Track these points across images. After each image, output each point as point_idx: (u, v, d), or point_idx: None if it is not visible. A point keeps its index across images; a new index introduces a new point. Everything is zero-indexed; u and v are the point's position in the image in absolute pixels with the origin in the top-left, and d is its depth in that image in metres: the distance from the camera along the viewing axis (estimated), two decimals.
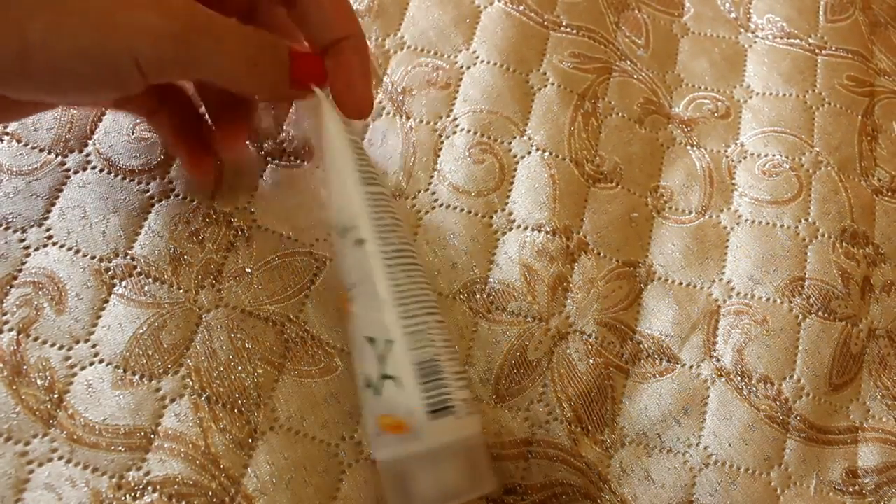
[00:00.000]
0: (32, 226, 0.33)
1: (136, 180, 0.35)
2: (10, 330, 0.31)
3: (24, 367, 0.31)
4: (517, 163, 0.38)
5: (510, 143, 0.38)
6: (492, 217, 0.37)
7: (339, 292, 0.31)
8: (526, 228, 0.37)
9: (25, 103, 0.27)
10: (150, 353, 0.32)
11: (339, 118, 0.30)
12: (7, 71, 0.22)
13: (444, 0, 0.41)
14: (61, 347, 0.31)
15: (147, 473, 0.30)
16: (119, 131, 0.36)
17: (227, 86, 0.27)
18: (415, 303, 0.28)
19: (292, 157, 0.36)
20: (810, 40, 0.44)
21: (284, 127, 0.37)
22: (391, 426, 0.27)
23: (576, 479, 0.33)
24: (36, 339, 0.31)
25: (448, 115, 0.39)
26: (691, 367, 0.35)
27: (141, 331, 0.32)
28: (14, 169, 0.34)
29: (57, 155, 0.35)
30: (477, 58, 0.40)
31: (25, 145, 0.35)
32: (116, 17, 0.23)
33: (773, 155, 0.40)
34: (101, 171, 0.35)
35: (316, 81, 0.29)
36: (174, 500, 0.30)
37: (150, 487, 0.30)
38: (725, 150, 0.41)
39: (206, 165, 0.34)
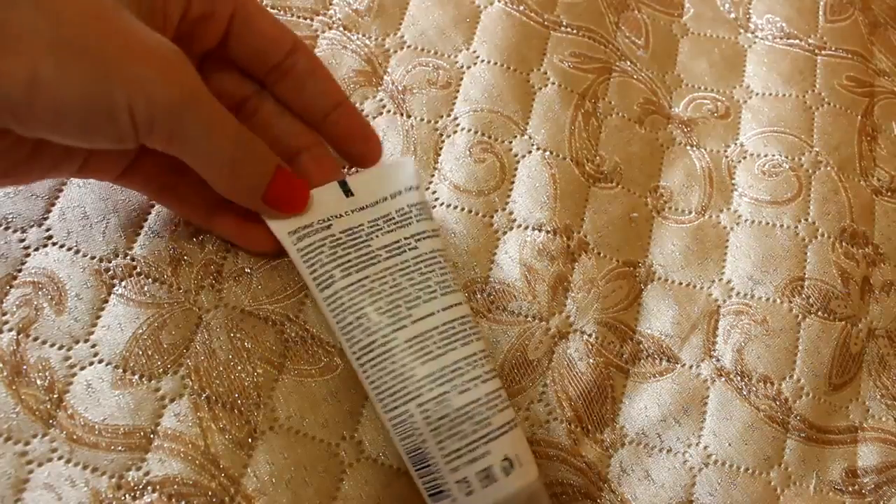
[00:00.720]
0: (32, 226, 0.33)
1: None
2: (10, 330, 0.31)
3: (24, 367, 0.31)
4: (518, 162, 0.38)
5: (511, 142, 0.38)
6: (492, 216, 0.37)
7: None
8: (526, 228, 0.37)
9: (34, 168, 0.27)
10: (150, 353, 0.32)
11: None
12: (15, 101, 0.22)
13: (443, 0, 0.41)
14: (61, 347, 0.31)
15: (147, 473, 0.30)
16: None
17: (203, 175, 0.28)
18: (389, 396, 0.29)
19: None
20: (810, 40, 0.44)
21: None
22: None
23: (576, 478, 0.33)
24: (36, 339, 0.31)
25: (448, 115, 0.39)
26: (691, 366, 0.35)
27: (140, 331, 0.32)
28: None
29: None
30: (477, 57, 0.40)
31: None
32: (124, 68, 0.23)
33: (773, 155, 0.40)
34: None
35: (290, 208, 0.30)
36: (174, 500, 0.30)
37: (149, 487, 0.30)
38: (725, 151, 0.41)
39: (254, 233, 0.32)
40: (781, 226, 0.39)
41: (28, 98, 0.22)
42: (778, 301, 0.37)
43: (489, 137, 0.38)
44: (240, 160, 0.27)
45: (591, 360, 0.35)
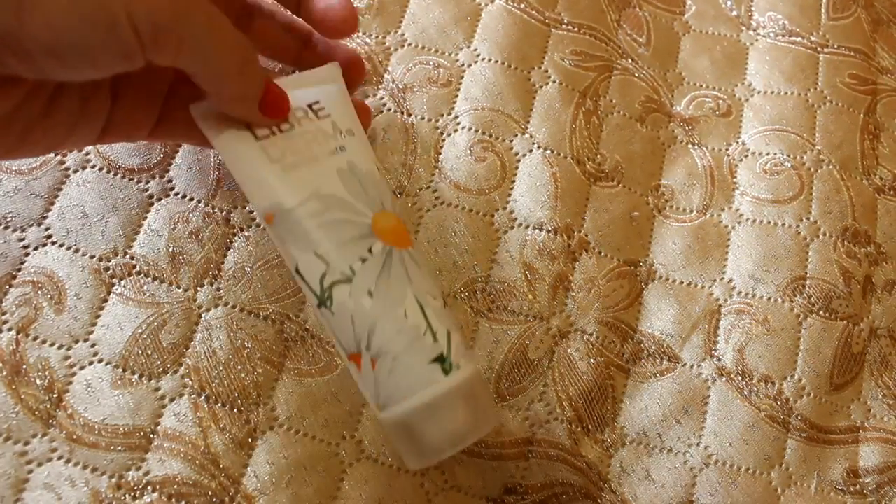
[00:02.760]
0: (32, 225, 0.33)
1: (135, 179, 0.35)
2: (10, 329, 0.31)
3: (24, 367, 0.31)
4: (518, 161, 0.38)
5: (512, 141, 0.38)
6: (493, 215, 0.36)
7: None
8: (527, 227, 0.36)
9: (51, 132, 0.26)
10: (150, 353, 0.32)
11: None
12: (6, 26, 0.21)
13: None
14: (60, 347, 0.31)
15: (146, 473, 0.30)
16: None
17: (209, 86, 0.27)
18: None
19: None
20: (812, 38, 0.44)
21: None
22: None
23: (576, 478, 0.33)
24: (35, 338, 0.31)
25: (449, 113, 0.38)
26: (692, 366, 0.35)
27: (140, 330, 0.32)
28: (13, 168, 0.34)
29: (56, 154, 0.35)
30: (478, 55, 0.40)
31: None
32: None
33: (775, 153, 0.40)
34: (101, 170, 0.35)
35: (281, 114, 0.29)
36: (174, 500, 0.30)
37: (149, 487, 0.30)
38: (727, 149, 0.41)
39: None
40: (783, 225, 0.38)
41: (18, 19, 0.21)
42: (779, 300, 0.37)
43: (490, 136, 0.38)
44: (245, 68, 0.27)
45: (591, 360, 0.35)
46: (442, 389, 0.26)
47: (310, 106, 0.30)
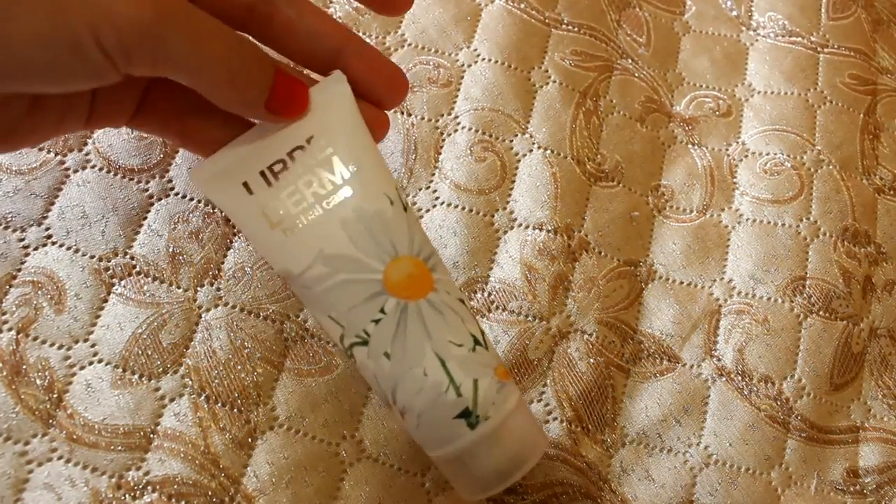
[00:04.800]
0: (32, 225, 0.33)
1: (135, 179, 0.35)
2: (10, 329, 0.31)
3: (24, 367, 0.31)
4: (518, 161, 0.38)
5: (511, 141, 0.38)
6: (493, 216, 0.36)
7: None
8: (527, 227, 0.36)
9: (40, 124, 0.25)
10: (150, 353, 0.32)
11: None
12: None
13: None
14: (60, 347, 0.31)
15: (146, 473, 0.30)
16: (118, 130, 0.35)
17: (201, 91, 0.25)
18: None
19: None
20: (812, 38, 0.44)
21: None
22: (505, 373, 0.27)
23: (576, 478, 0.33)
24: (35, 338, 0.31)
25: (449, 113, 0.38)
26: (692, 366, 0.35)
27: (140, 330, 0.32)
28: (13, 168, 0.34)
29: (56, 154, 0.35)
30: (478, 55, 0.40)
31: None
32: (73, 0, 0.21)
33: (775, 153, 0.40)
34: (101, 170, 0.35)
35: (294, 113, 0.26)
36: (174, 500, 0.30)
37: (149, 487, 0.30)
38: (727, 149, 0.41)
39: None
40: (783, 225, 0.38)
41: None
42: (779, 300, 0.37)
43: (490, 136, 0.38)
44: (237, 69, 0.24)
45: (591, 360, 0.35)
46: (468, 442, 0.26)
47: (307, 140, 0.26)
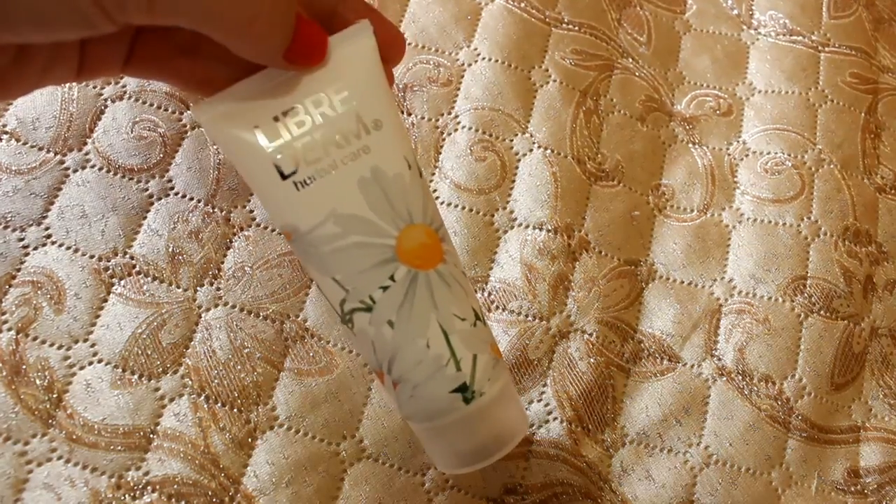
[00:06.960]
0: (31, 225, 0.33)
1: (135, 179, 0.35)
2: (9, 329, 0.31)
3: (23, 367, 0.31)
4: (519, 160, 0.38)
5: (512, 140, 0.38)
6: (493, 215, 0.36)
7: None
8: (527, 227, 0.36)
9: (25, 73, 0.23)
10: (149, 353, 0.32)
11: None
12: None
13: None
14: (60, 347, 0.31)
15: (146, 473, 0.30)
16: (118, 130, 0.35)
17: (217, 38, 0.23)
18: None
19: None
20: (813, 37, 0.44)
21: None
22: (498, 351, 0.27)
23: (576, 478, 0.33)
24: (35, 338, 0.31)
25: (449, 113, 0.38)
26: (692, 366, 0.35)
27: (140, 330, 0.32)
28: (13, 168, 0.34)
29: (56, 154, 0.35)
30: (478, 55, 0.40)
31: (24, 144, 0.35)
32: None
33: (776, 153, 0.40)
34: (101, 169, 0.35)
35: (314, 61, 0.24)
36: (173, 500, 0.30)
37: (149, 487, 0.30)
38: (727, 148, 0.41)
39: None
40: (784, 224, 0.38)
41: None
42: (780, 300, 0.37)
43: (490, 135, 0.38)
44: (258, 15, 0.22)
45: (591, 360, 0.35)
46: (460, 416, 0.25)
47: (329, 89, 0.25)
